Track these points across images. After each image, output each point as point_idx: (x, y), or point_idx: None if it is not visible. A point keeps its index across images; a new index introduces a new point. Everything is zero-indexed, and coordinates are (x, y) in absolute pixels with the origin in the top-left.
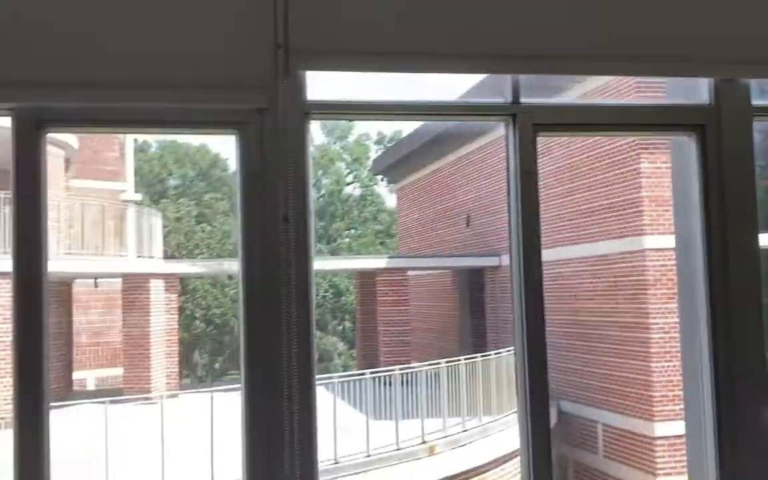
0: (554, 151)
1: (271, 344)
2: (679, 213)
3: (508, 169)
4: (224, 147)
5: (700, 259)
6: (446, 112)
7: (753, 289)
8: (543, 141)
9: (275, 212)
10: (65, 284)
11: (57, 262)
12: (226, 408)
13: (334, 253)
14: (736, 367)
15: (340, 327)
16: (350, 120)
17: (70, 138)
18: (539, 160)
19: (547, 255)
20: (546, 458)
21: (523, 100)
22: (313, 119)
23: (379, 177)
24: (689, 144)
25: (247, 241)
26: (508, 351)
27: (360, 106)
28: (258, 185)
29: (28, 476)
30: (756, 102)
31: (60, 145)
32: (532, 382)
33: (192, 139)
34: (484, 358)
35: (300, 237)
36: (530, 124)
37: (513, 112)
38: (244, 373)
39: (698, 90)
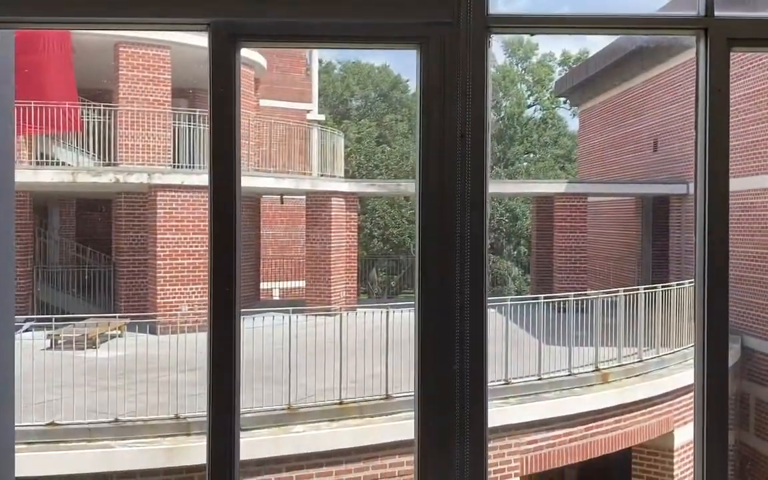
0: (752, 73)
1: (445, 261)
2: None
3: (697, 86)
4: (405, 68)
5: None
6: (633, 26)
7: None
8: (739, 63)
9: (453, 129)
10: (254, 199)
11: (246, 179)
12: (401, 325)
13: (511, 176)
14: None
15: (515, 251)
16: (532, 34)
17: (260, 58)
18: (735, 83)
19: (738, 184)
20: (722, 398)
21: (717, 13)
22: (495, 33)
23: (562, 99)
24: None
25: (424, 157)
26: (691, 282)
27: (543, 20)
28: (437, 101)
29: (222, 373)
30: None
31: (250, 65)
32: (711, 318)
33: (374, 60)
34: (665, 288)
35: (476, 155)
36: (724, 37)
37: (705, 26)
38: (419, 288)
39: None
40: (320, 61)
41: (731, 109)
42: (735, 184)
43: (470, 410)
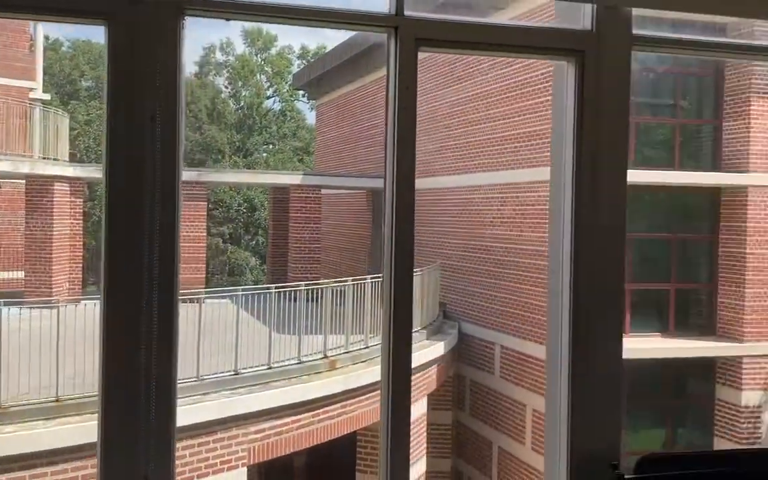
0: (474, 76)
1: (133, 251)
2: (555, 143)
3: (387, 83)
4: None
5: (569, 193)
6: (326, 19)
7: (618, 225)
8: (463, 66)
9: (142, 112)
10: None
11: None
12: None
13: (250, 166)
14: (593, 299)
15: (253, 242)
16: (227, 19)
17: None
18: (461, 85)
19: (458, 180)
20: (405, 390)
21: (406, 12)
22: (188, 15)
23: (300, 92)
24: (568, 70)
25: (111, 142)
26: (418, 271)
27: (238, 6)
28: (126, 82)
29: None
30: (637, 32)
31: None
32: (397, 307)
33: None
34: None
35: (167, 139)
36: (413, 37)
37: (395, 24)
38: (104, 281)
39: (582, 15)
40: (47, 38)
41: (457, 109)
42: (454, 181)
43: (156, 408)
